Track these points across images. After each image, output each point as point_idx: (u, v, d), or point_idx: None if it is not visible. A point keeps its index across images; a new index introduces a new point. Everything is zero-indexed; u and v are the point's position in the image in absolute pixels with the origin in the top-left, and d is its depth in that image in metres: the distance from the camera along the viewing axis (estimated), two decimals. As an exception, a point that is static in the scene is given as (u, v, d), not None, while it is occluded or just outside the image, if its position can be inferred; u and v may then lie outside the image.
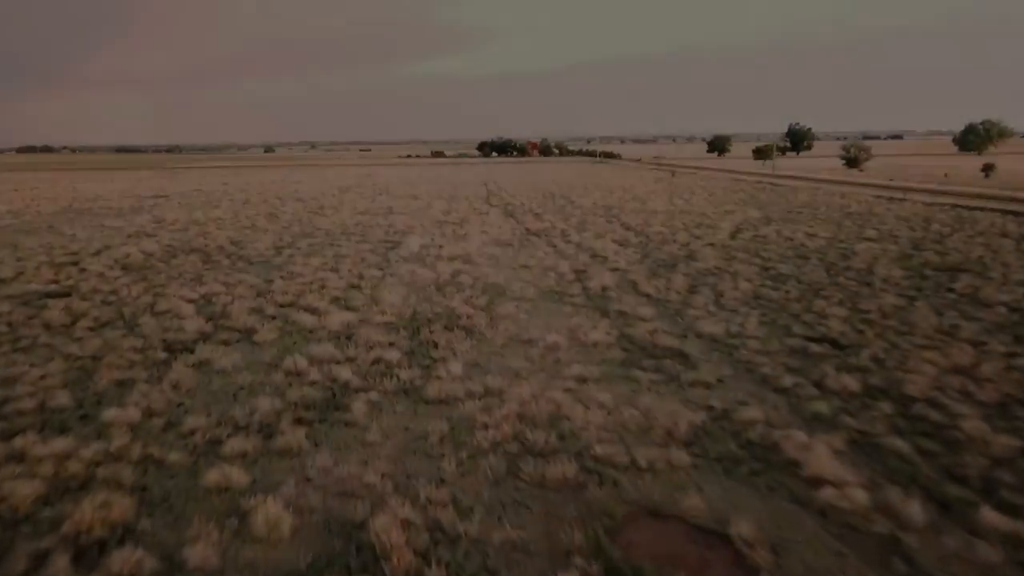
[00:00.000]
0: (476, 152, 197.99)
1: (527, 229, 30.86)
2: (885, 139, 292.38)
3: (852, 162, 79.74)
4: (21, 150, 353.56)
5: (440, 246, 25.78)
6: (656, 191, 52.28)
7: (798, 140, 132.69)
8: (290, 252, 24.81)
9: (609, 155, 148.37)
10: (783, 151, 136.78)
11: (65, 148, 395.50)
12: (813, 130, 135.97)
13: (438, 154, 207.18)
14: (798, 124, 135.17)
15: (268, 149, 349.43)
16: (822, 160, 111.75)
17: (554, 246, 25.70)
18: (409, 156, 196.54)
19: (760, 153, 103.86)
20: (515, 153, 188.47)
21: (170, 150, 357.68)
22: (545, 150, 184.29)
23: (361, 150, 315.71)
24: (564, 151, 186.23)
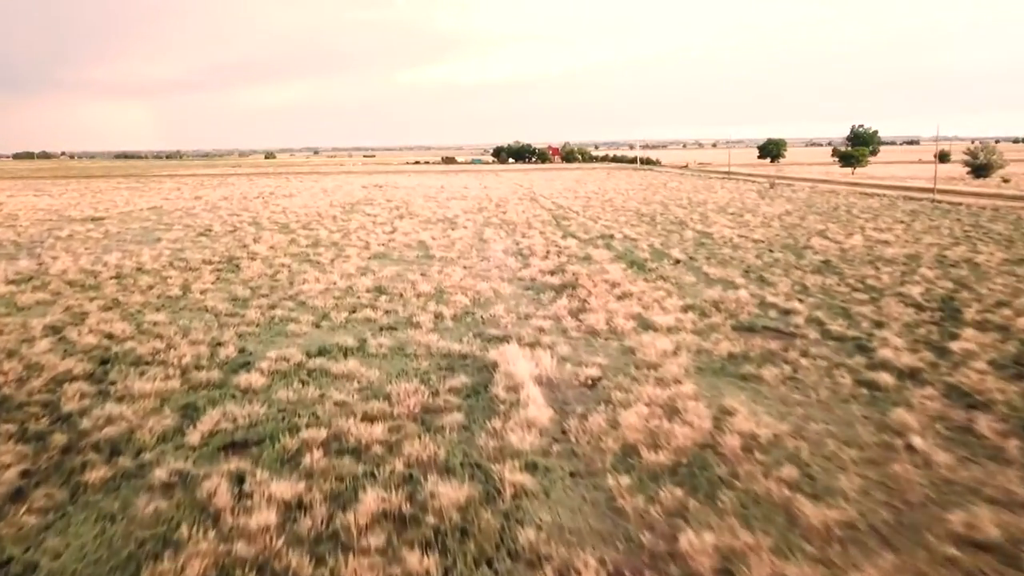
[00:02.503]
0: (490, 158, 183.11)
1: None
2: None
3: (981, 169, 63.74)
4: (18, 156, 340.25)
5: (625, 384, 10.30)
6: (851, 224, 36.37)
7: (862, 144, 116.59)
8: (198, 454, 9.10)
9: (648, 161, 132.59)
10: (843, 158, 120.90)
11: (63, 154, 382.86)
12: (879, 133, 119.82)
13: (449, 160, 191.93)
14: (862, 126, 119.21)
15: (269, 155, 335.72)
16: (902, 167, 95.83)
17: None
18: (418, 162, 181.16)
19: (848, 159, 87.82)
20: (534, 159, 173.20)
21: (171, 156, 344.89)
22: (568, 155, 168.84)
23: (365, 156, 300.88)
24: (587, 157, 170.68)
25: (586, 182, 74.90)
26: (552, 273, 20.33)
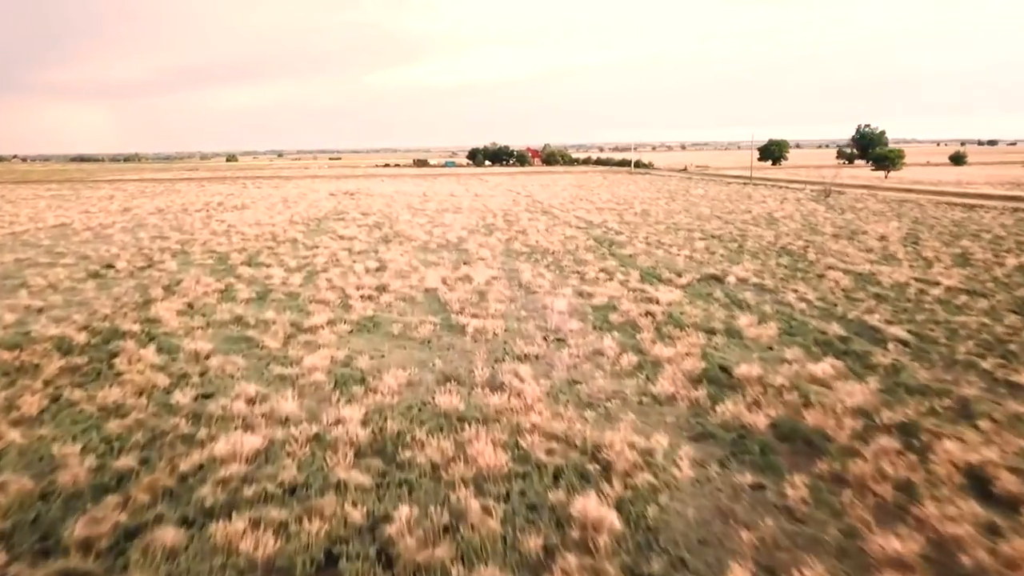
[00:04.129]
0: (464, 160, 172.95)
1: None
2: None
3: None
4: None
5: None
6: None
7: (869, 146, 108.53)
8: None
9: (640, 164, 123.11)
10: (851, 159, 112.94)
11: (16, 157, 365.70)
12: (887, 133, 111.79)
13: (421, 163, 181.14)
14: (868, 126, 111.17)
15: (231, 158, 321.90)
16: (918, 169, 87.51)
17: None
18: (388, 165, 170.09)
19: (882, 162, 78.92)
20: (512, 161, 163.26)
21: (129, 159, 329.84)
22: (548, 158, 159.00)
23: (331, 159, 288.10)
24: (568, 159, 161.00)
25: (591, 188, 64.94)
26: (717, 400, 10.19)
